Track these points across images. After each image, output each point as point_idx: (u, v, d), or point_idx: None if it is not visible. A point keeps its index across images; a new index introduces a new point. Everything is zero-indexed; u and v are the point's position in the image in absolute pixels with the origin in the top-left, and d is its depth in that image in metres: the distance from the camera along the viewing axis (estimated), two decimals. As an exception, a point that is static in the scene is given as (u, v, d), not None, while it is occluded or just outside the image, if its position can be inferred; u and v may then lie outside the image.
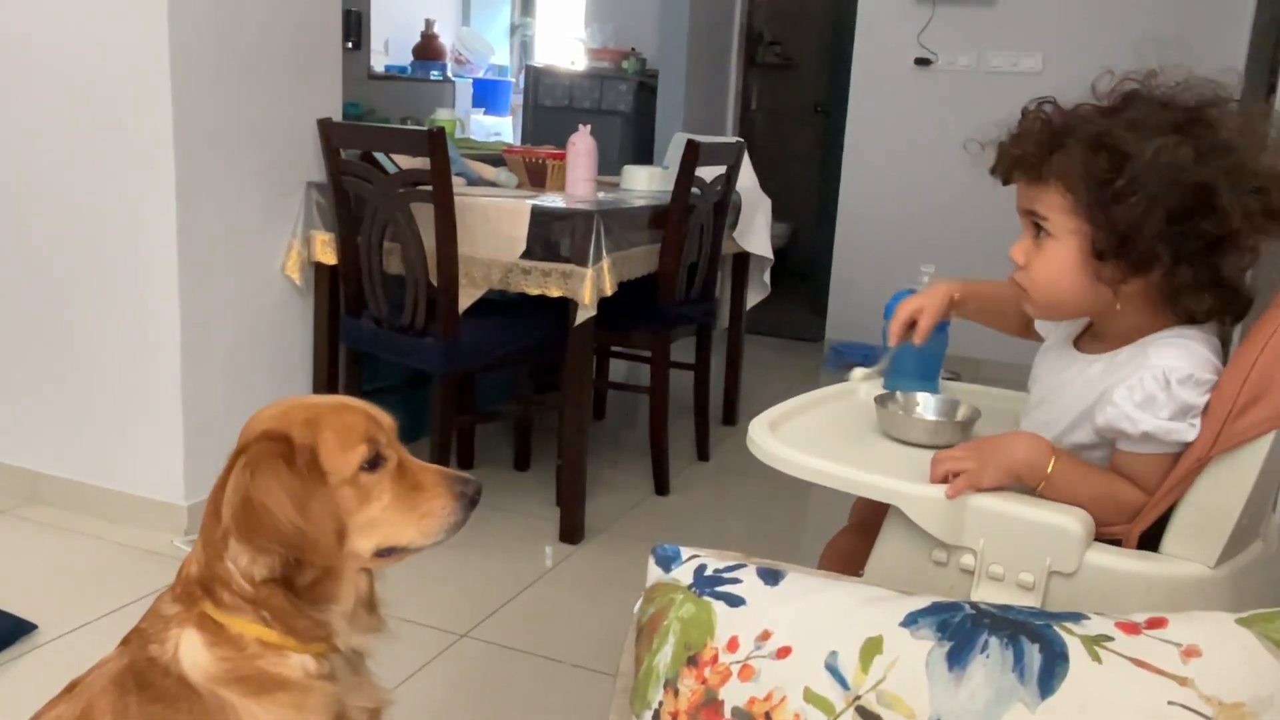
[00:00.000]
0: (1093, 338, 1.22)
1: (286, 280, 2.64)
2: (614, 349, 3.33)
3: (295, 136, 2.60)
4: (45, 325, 2.53)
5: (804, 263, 5.99)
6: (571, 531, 2.55)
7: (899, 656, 0.81)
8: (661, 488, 2.92)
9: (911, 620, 0.83)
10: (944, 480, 1.13)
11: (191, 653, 0.97)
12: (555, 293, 2.42)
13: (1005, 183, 1.17)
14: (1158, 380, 1.06)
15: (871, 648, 0.82)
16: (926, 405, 1.36)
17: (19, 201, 2.48)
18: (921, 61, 4.48)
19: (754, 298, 3.54)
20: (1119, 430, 1.09)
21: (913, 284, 1.55)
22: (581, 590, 2.33)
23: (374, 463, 1.00)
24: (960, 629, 0.82)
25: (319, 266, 2.68)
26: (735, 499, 2.98)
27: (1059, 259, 1.12)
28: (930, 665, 0.80)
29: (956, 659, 0.80)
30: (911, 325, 1.36)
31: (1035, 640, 0.80)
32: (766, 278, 3.54)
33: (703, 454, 3.21)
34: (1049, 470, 1.11)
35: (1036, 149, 1.12)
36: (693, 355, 3.21)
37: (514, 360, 2.74)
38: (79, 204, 2.41)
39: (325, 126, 2.48)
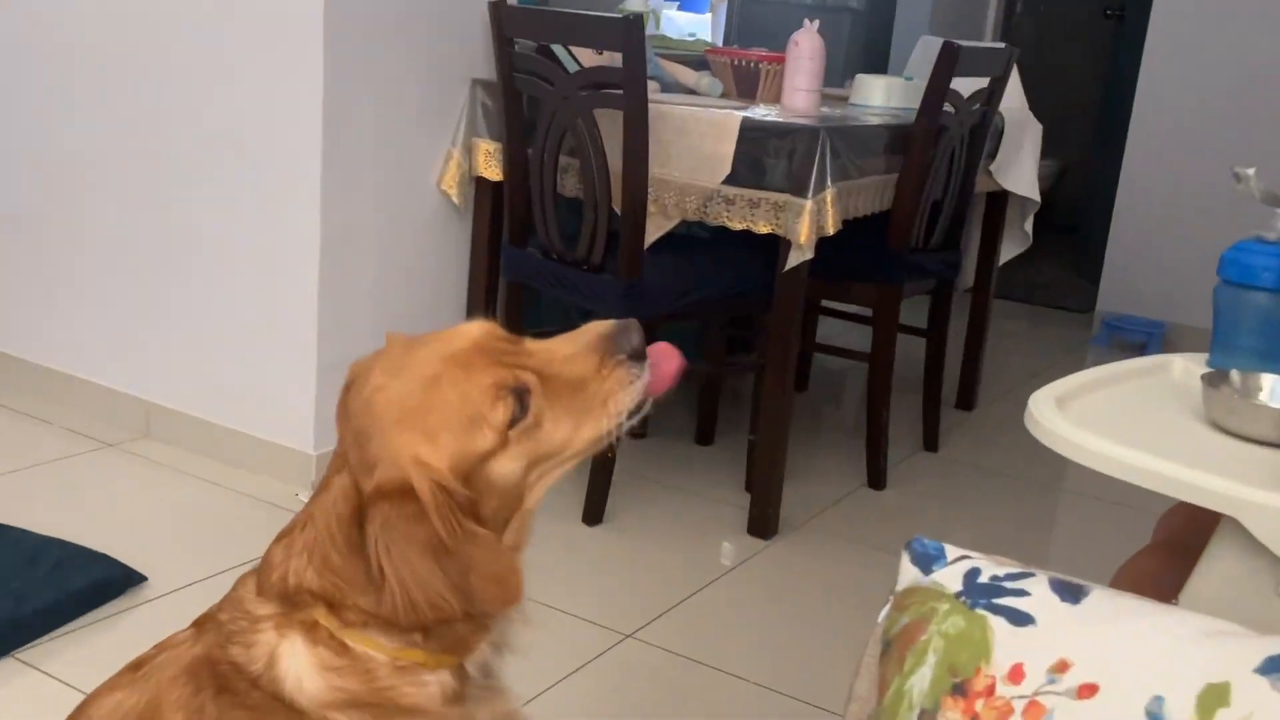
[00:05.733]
0: None
1: (443, 197, 2.71)
2: (826, 304, 3.28)
3: (461, 23, 2.65)
4: (167, 236, 2.67)
5: (1073, 213, 5.77)
6: (763, 523, 2.54)
7: (1254, 712, 0.74)
8: (876, 479, 2.89)
9: (1273, 667, 0.76)
10: None
11: (297, 672, 0.95)
12: (763, 229, 2.39)
13: None
14: None
15: (1214, 697, 0.76)
16: (1274, 391, 1.28)
17: (155, 87, 2.63)
18: (1253, -45, 4.19)
19: (1010, 250, 3.46)
20: None
21: (1257, 230, 1.42)
22: (771, 594, 2.33)
23: (521, 405, 0.95)
24: (1344, 685, 0.74)
25: (481, 182, 2.73)
26: (967, 500, 2.92)
27: None
28: (1296, 729, 0.73)
29: (1335, 724, 0.72)
30: None
31: None
32: (1029, 226, 3.42)
33: (930, 443, 3.17)
34: None
35: None
36: (926, 319, 3.14)
37: (705, 310, 2.72)
38: (215, 87, 2.53)
39: (498, 10, 2.50)
